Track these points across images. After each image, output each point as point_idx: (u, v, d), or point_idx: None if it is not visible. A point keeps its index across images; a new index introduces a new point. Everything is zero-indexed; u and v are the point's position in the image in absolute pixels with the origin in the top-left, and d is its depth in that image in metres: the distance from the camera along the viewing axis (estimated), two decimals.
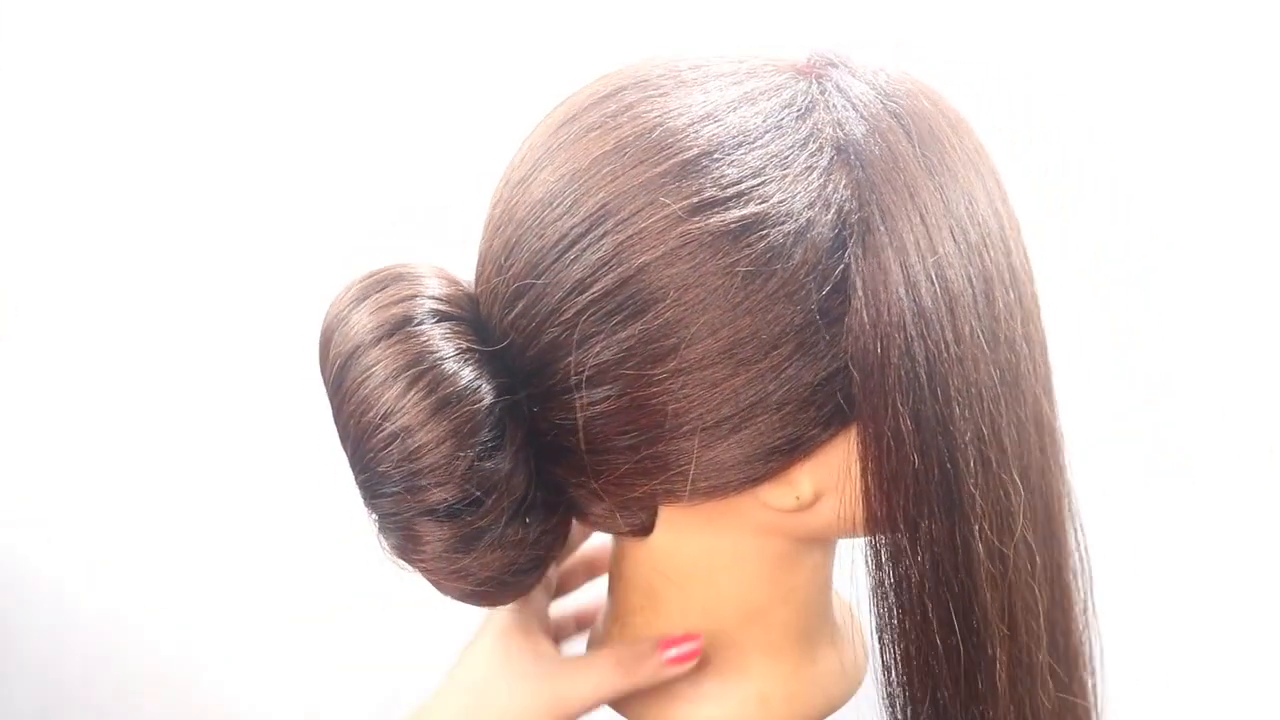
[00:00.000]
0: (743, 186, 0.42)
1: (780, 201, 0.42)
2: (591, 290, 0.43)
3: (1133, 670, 0.77)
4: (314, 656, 1.04)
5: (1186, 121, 0.75)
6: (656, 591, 0.53)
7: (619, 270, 0.42)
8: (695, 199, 0.42)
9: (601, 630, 0.57)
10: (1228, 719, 0.78)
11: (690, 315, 0.42)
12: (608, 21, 0.87)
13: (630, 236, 0.42)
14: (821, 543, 0.52)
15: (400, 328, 0.45)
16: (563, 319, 0.44)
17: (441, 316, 0.46)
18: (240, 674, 1.05)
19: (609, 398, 0.44)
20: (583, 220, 0.43)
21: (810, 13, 0.80)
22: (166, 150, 0.99)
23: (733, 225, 0.41)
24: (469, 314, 0.47)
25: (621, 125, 0.44)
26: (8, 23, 0.99)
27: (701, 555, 0.51)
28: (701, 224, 0.42)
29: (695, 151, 0.42)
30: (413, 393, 0.43)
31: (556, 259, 0.44)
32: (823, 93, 0.45)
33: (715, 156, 0.42)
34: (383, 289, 0.47)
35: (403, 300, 0.46)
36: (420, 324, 0.45)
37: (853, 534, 0.50)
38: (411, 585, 0.49)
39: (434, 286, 0.47)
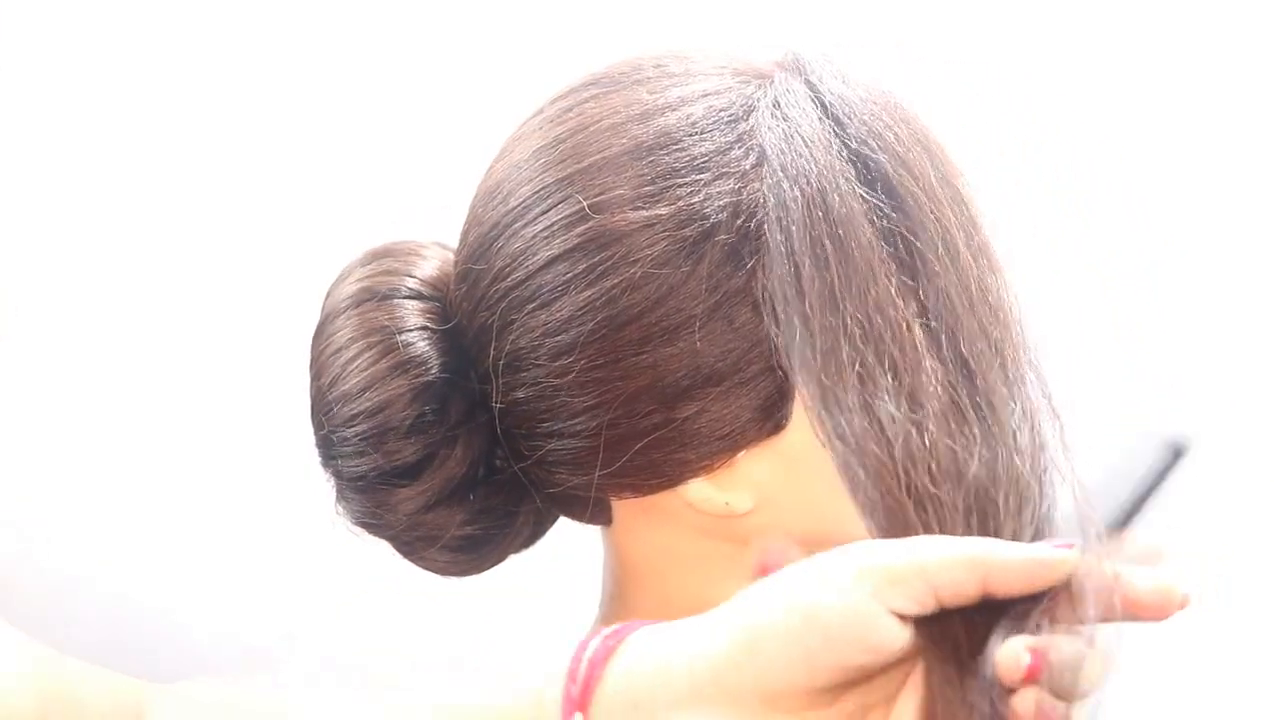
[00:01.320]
0: (655, 187, 0.42)
1: (689, 204, 0.42)
2: (509, 279, 0.44)
3: (1136, 663, 0.76)
4: (323, 649, 1.04)
5: (1195, 122, 0.74)
6: (620, 582, 0.54)
7: (530, 261, 0.43)
8: (604, 196, 0.42)
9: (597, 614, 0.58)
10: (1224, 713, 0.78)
11: (586, 314, 0.42)
12: (611, 20, 0.87)
13: (542, 229, 0.43)
14: None
15: (371, 299, 0.47)
16: (489, 304, 0.45)
17: (417, 295, 0.48)
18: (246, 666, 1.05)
19: (524, 385, 0.44)
20: (510, 210, 0.44)
21: (818, 12, 0.80)
22: (167, 154, 0.99)
23: (636, 224, 0.42)
24: (446, 295, 0.49)
25: (567, 120, 0.45)
26: (8, 23, 0.99)
27: (653, 550, 0.50)
28: (604, 221, 0.42)
29: (617, 150, 0.43)
30: (362, 359, 0.46)
31: (489, 245, 0.45)
32: (765, 98, 0.44)
33: (636, 156, 0.43)
34: (371, 263, 0.49)
35: (384, 274, 0.48)
36: (388, 299, 0.47)
37: (809, 545, 0.49)
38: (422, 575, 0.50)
39: (423, 267, 0.49)
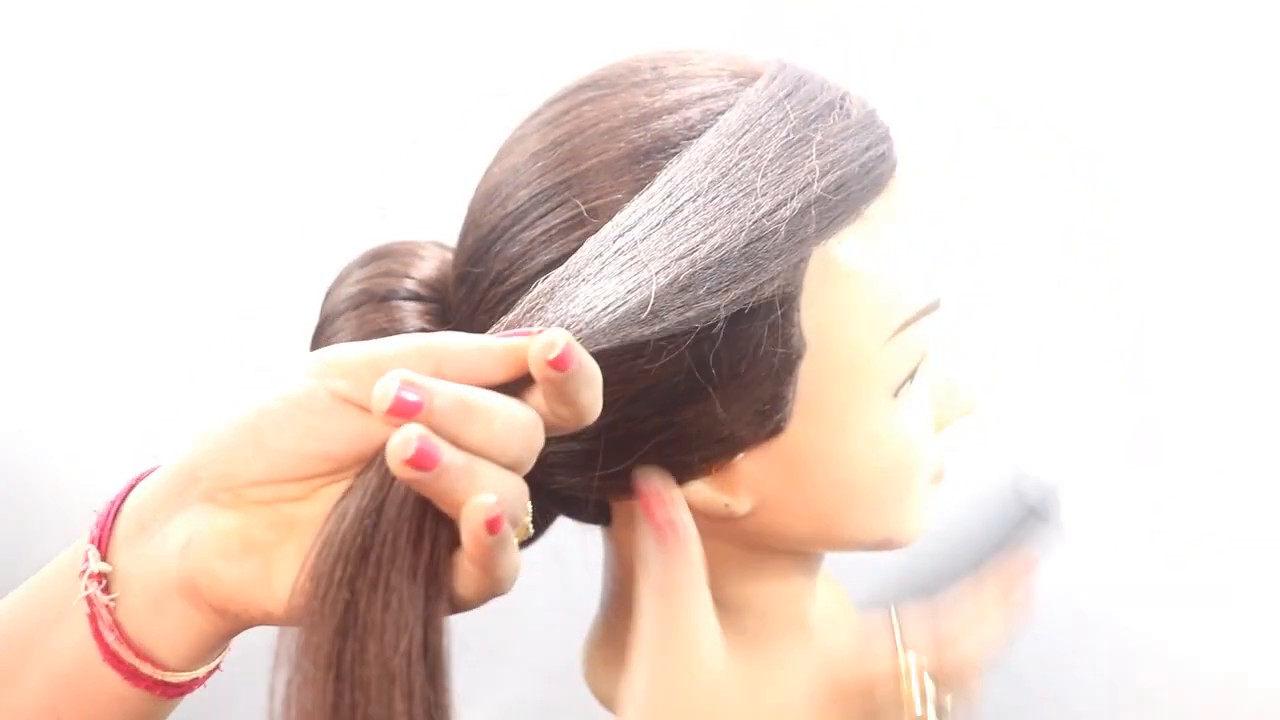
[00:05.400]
0: None
1: None
2: (508, 282, 0.44)
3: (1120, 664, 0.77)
4: None
5: (1203, 123, 0.74)
6: (620, 581, 0.54)
7: (528, 266, 0.43)
8: (601, 200, 0.42)
9: (597, 614, 0.58)
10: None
11: None
12: (614, 18, 0.87)
13: (540, 234, 0.43)
14: (786, 553, 0.51)
15: (369, 301, 0.47)
16: (488, 307, 0.45)
17: (416, 297, 0.48)
18: None
19: None
20: (508, 214, 0.44)
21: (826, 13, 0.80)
22: (163, 155, 0.99)
23: None
24: (445, 297, 0.49)
25: (564, 124, 0.45)
26: (7, 23, 0.99)
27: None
28: (601, 226, 0.41)
29: (613, 154, 0.43)
30: None
31: (487, 249, 0.45)
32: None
33: (633, 160, 0.42)
34: (370, 264, 0.49)
35: (382, 276, 0.48)
36: (387, 300, 0.47)
37: (809, 546, 0.50)
38: None
39: (421, 268, 0.49)
